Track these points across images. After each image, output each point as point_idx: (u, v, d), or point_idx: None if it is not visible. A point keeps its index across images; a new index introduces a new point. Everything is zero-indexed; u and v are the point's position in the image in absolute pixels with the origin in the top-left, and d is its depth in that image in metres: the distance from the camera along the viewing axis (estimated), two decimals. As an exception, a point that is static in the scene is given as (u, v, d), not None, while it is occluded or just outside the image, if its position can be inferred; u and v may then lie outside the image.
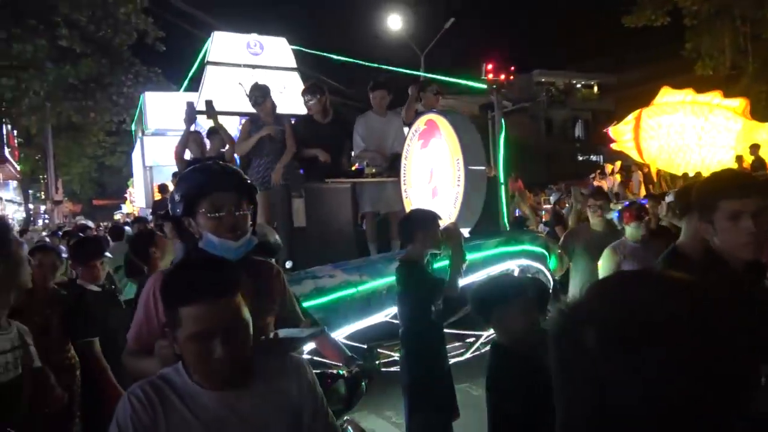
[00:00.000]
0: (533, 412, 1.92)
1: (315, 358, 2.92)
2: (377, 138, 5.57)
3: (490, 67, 5.51)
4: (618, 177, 13.84)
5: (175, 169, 9.35)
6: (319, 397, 1.53)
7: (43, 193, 28.53)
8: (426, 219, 3.24)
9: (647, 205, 4.60)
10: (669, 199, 5.37)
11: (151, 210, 11.67)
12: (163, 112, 15.88)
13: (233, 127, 10.26)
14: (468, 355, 4.74)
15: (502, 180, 4.93)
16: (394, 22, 19.65)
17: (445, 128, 4.70)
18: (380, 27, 20.08)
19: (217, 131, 6.09)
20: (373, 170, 5.42)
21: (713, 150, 12.07)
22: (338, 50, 13.14)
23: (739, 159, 10.63)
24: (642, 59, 29.04)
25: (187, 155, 6.31)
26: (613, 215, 4.49)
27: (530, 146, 25.53)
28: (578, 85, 39.12)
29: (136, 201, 21.72)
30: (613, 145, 14.01)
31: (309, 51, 5.19)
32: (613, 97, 30.89)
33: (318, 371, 2.39)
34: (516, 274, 4.50)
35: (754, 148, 10.46)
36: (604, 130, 14.67)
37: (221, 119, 6.24)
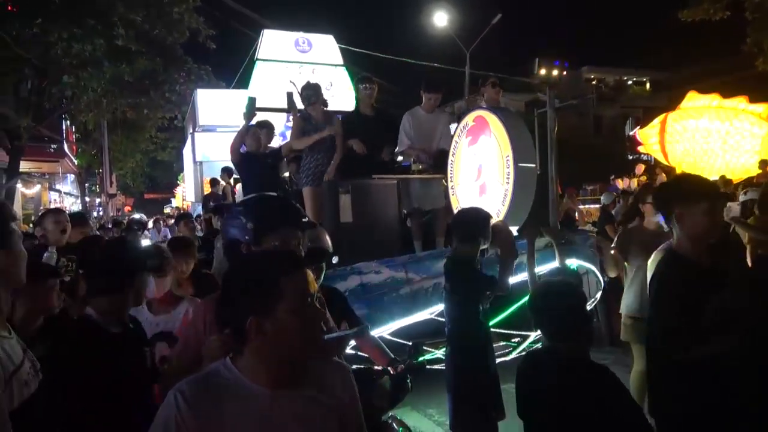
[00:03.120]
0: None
1: (358, 353, 2.94)
2: (424, 135, 5.56)
3: (542, 63, 5.40)
4: (643, 178, 13.97)
5: (225, 164, 9.59)
6: (358, 402, 1.51)
7: (98, 186, 29.66)
8: (481, 219, 3.20)
9: None
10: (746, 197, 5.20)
11: (201, 203, 11.96)
12: (213, 109, 16.27)
13: (280, 123, 10.42)
14: (514, 355, 4.66)
15: (552, 178, 4.81)
16: (440, 19, 19.51)
17: (495, 125, 4.63)
18: (426, 24, 19.97)
19: (266, 124, 6.18)
20: (420, 167, 5.41)
21: (737, 154, 12.05)
22: (384, 47, 13.16)
23: (763, 163, 10.51)
24: (698, 55, 27.97)
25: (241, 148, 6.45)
26: (659, 218, 4.36)
27: (578, 145, 24.95)
28: (629, 82, 37.98)
29: (186, 195, 22.34)
30: (640, 148, 14.26)
31: (355, 49, 5.22)
32: (667, 94, 29.83)
33: (364, 366, 2.40)
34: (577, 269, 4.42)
35: None
36: (631, 134, 14.68)
37: (268, 115, 6.33)
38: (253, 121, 5.75)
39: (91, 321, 2.04)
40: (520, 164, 4.40)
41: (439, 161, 5.47)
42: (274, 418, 1.30)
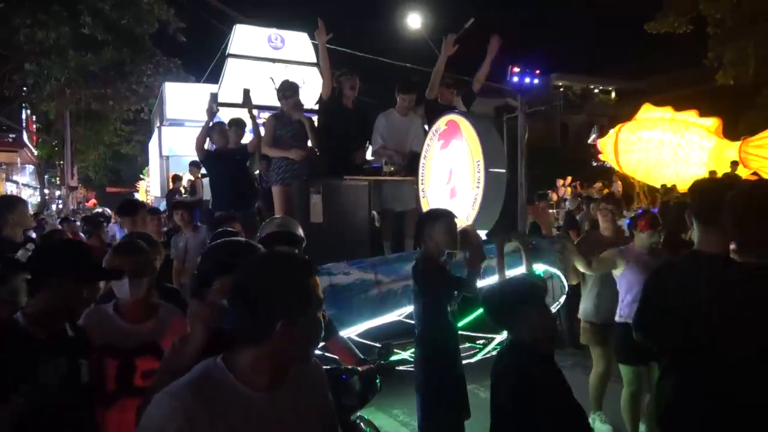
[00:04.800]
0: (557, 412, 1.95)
1: (326, 354, 2.94)
2: (397, 136, 5.59)
3: (515, 70, 5.48)
4: (599, 185, 14.74)
5: (193, 158, 9.45)
6: (330, 399, 1.54)
7: (58, 178, 28.81)
8: (440, 217, 3.25)
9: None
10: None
11: (165, 198, 11.77)
12: (181, 103, 16.02)
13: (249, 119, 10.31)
14: (479, 357, 4.73)
15: (521, 184, 4.90)
16: (414, 21, 19.59)
17: (467, 129, 4.69)
18: (402, 26, 20.03)
19: (237, 122, 6.13)
20: (391, 168, 5.44)
21: (687, 165, 12.78)
22: (359, 47, 13.16)
23: (712, 174, 10.95)
24: (663, 67, 28.80)
25: (208, 145, 6.38)
26: (625, 222, 4.51)
27: (545, 150, 25.38)
28: (596, 91, 38.83)
29: (151, 190, 21.89)
30: (600, 156, 14.92)
31: (330, 47, 5.15)
32: (632, 103, 30.63)
33: (334, 367, 2.41)
34: (543, 275, 4.52)
35: (734, 165, 11.27)
36: (591, 142, 15.36)
37: (239, 112, 6.28)
38: (225, 119, 5.71)
39: (11, 324, 1.85)
40: (491, 169, 4.47)
41: (411, 163, 5.51)
42: (272, 420, 1.29)
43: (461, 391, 3.13)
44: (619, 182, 13.55)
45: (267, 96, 5.90)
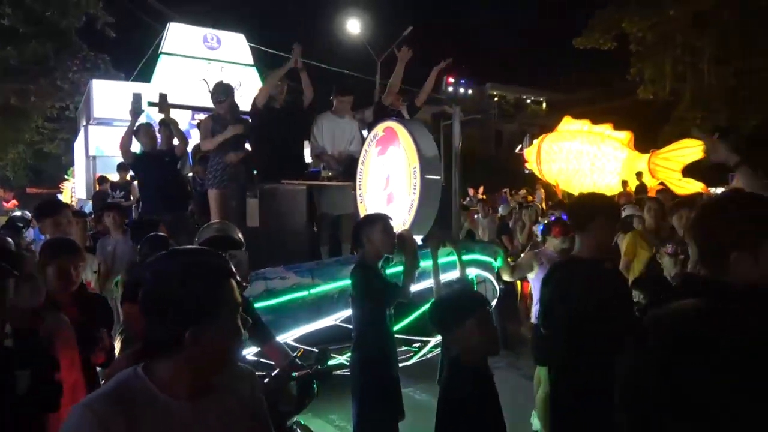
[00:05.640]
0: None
1: (261, 359, 2.92)
2: (336, 139, 5.61)
3: (451, 80, 5.65)
4: (523, 192, 15.62)
5: (121, 159, 9.09)
6: (264, 407, 1.50)
7: (-30, 178, 26.88)
8: (377, 220, 3.30)
9: None
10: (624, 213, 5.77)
11: (92, 200, 11.23)
12: (110, 101, 15.30)
13: (185, 120, 10.04)
14: (414, 360, 4.81)
15: (455, 190, 5.04)
16: (353, 27, 19.70)
17: (404, 136, 4.77)
18: (340, 31, 20.09)
19: (167, 123, 5.98)
20: (329, 173, 5.45)
21: (603, 175, 13.59)
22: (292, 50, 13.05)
23: (624, 184, 11.90)
24: (591, 80, 30.30)
25: (137, 147, 6.17)
26: (539, 228, 4.77)
27: (480, 157, 26.09)
28: (528, 101, 40.34)
29: (76, 191, 20.80)
30: (526, 165, 15.52)
31: (267, 49, 5.14)
32: (561, 114, 31.99)
33: (270, 372, 2.41)
34: (475, 279, 4.66)
35: (639, 175, 12.08)
36: (518, 152, 16.11)
37: (173, 112, 6.12)
38: (157, 119, 5.56)
39: None
40: (426, 176, 4.56)
41: (349, 168, 5.54)
42: (195, 429, 1.25)
43: (396, 394, 3.18)
44: (542, 190, 14.25)
45: (203, 97, 5.78)
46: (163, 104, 5.76)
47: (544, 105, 40.14)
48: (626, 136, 13.66)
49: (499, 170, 23.10)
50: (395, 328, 3.55)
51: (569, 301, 2.37)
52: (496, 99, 37.27)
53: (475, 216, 9.63)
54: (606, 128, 13.94)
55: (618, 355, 1.44)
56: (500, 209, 9.79)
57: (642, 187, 11.47)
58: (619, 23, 19.35)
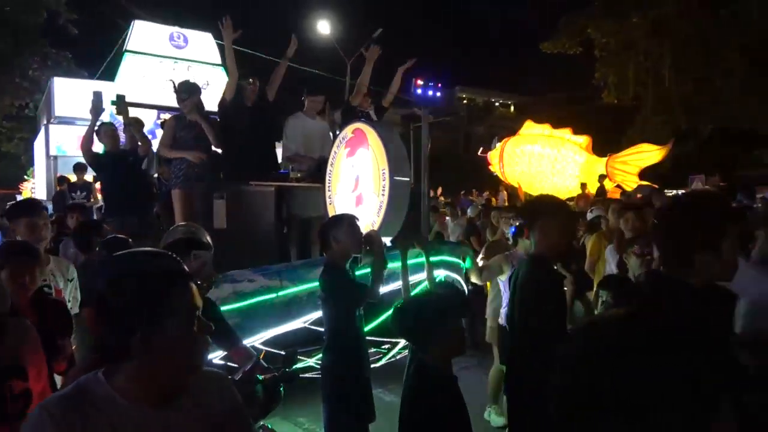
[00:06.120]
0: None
1: (228, 363, 2.88)
2: (306, 140, 5.59)
3: (419, 82, 5.71)
4: (487, 194, 16.01)
5: (82, 160, 8.87)
6: (242, 410, 1.47)
7: (-76, 178, 25.81)
8: (344, 219, 3.29)
9: None
10: (592, 214, 5.88)
11: (52, 201, 10.90)
12: (72, 100, 14.88)
13: (150, 120, 9.84)
14: (384, 362, 4.81)
15: (424, 192, 5.07)
16: (323, 28, 19.62)
17: (373, 138, 4.77)
18: (311, 32, 19.97)
19: (133, 122, 5.86)
20: (299, 174, 5.42)
21: (563, 178, 13.99)
22: (266, 50, 12.95)
23: (583, 186, 12.19)
24: (558, 84, 30.93)
25: (99, 147, 6.01)
26: (510, 230, 4.84)
27: (449, 159, 26.32)
28: (497, 104, 40.88)
29: (36, 192, 20.16)
30: (490, 167, 15.88)
31: (237, 48, 5.02)
32: (530, 117, 32.56)
33: (237, 376, 2.37)
34: (444, 281, 4.69)
35: (601, 179, 12.51)
36: (482, 155, 16.52)
37: (139, 112, 6.00)
38: (119, 118, 5.44)
39: None
40: (395, 177, 4.58)
41: (318, 170, 5.52)
42: None
43: (367, 396, 3.18)
44: (505, 192, 14.55)
45: (169, 97, 5.66)
46: (121, 105, 5.62)
47: (513, 108, 40.75)
48: (584, 140, 14.06)
49: (467, 172, 23.34)
50: (364, 330, 3.54)
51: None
52: (465, 102, 37.68)
53: (446, 218, 9.70)
54: (565, 132, 14.35)
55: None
56: (469, 210, 9.87)
57: (601, 190, 11.75)
58: (585, 29, 19.81)
